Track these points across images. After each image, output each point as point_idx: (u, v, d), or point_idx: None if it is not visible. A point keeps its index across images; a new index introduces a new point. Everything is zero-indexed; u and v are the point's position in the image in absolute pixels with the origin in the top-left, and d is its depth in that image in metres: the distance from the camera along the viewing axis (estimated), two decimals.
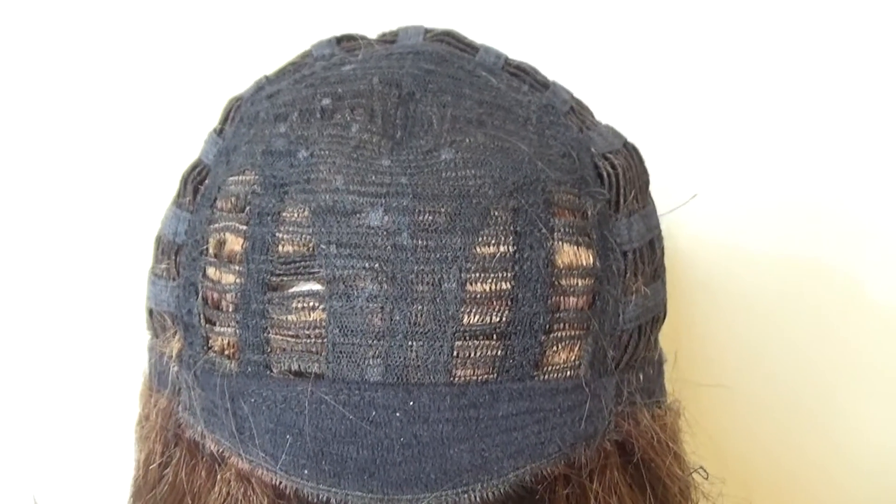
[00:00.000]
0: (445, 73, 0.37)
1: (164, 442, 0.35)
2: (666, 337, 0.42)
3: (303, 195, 0.32)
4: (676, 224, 0.45)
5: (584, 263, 0.33)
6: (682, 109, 0.59)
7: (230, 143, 0.36)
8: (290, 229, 0.32)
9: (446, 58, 0.38)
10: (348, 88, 0.36)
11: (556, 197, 0.33)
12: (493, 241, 0.32)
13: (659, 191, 0.41)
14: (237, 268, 0.33)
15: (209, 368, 0.33)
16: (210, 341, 0.33)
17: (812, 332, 0.58)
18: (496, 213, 0.32)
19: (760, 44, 0.58)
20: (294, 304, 0.31)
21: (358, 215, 0.32)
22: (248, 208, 0.33)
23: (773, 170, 0.58)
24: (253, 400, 0.32)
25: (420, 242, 0.31)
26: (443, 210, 0.32)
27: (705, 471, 0.38)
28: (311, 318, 0.31)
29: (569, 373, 0.32)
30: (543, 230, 0.32)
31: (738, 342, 0.58)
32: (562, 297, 0.32)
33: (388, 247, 0.31)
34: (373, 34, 0.41)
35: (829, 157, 0.58)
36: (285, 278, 0.32)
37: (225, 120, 0.38)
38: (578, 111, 0.38)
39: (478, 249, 0.31)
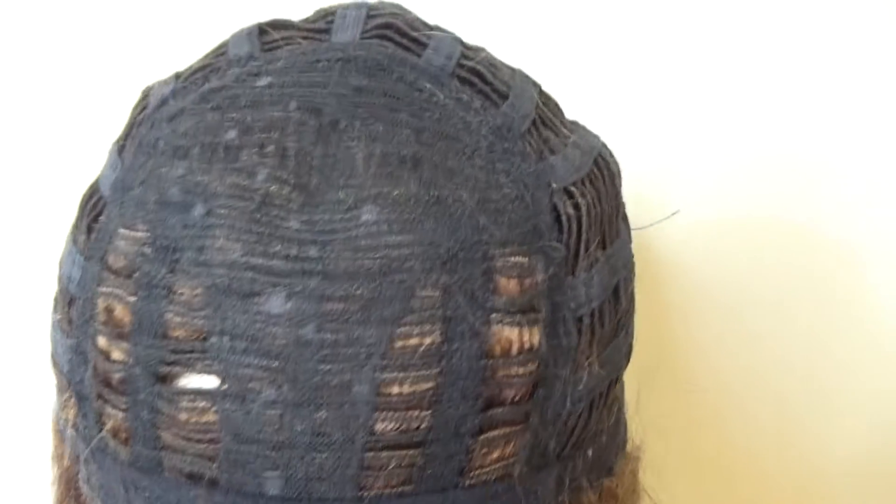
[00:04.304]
0: (380, 89, 0.30)
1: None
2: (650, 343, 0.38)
3: (195, 267, 0.27)
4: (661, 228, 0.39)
5: (527, 347, 0.28)
6: (667, 110, 0.53)
7: (127, 176, 0.31)
8: (181, 311, 0.27)
9: (383, 65, 0.31)
10: (259, 116, 0.30)
11: (499, 264, 0.28)
12: (415, 332, 0.27)
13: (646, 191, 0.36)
14: (125, 345, 0.28)
15: (104, 447, 0.30)
16: (103, 418, 0.30)
17: (801, 337, 0.54)
18: (422, 295, 0.27)
19: (751, 46, 0.53)
20: (184, 403, 0.27)
21: (256, 299, 0.27)
22: (136, 275, 0.28)
23: (760, 174, 0.53)
24: (147, 495, 0.29)
25: (328, 336, 0.26)
26: (358, 293, 0.27)
27: None
28: (202, 420, 0.27)
29: (500, 473, 0.28)
30: (479, 313, 0.27)
31: (724, 347, 0.54)
32: (497, 391, 0.28)
33: (290, 342, 0.26)
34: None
35: (819, 159, 0.53)
36: (175, 368, 0.27)
37: (127, 135, 0.33)
38: (541, 125, 0.32)
39: (397, 343, 0.27)
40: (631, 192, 0.37)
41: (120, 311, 0.29)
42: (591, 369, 0.30)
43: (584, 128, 0.35)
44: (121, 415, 0.29)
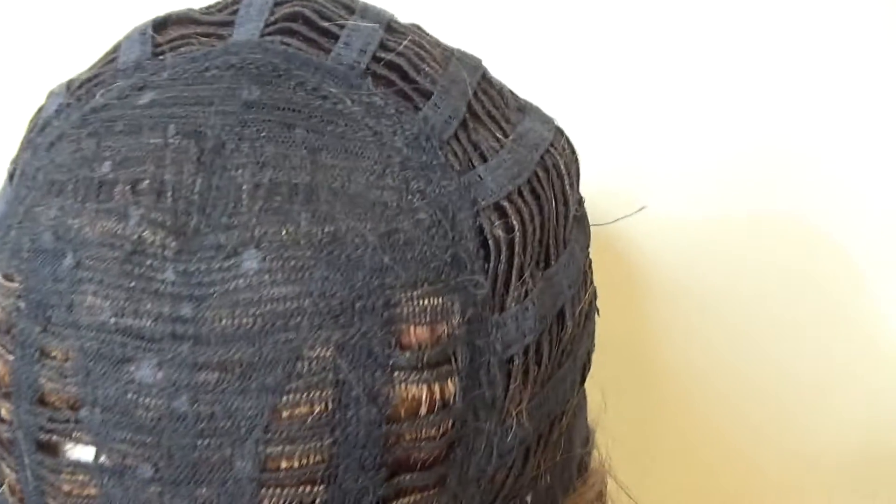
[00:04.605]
0: (275, 101, 0.26)
1: None
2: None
3: (65, 328, 0.25)
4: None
5: (439, 404, 0.25)
6: (648, 102, 0.49)
7: (9, 210, 0.28)
8: (54, 376, 0.25)
9: (280, 70, 0.27)
10: (136, 145, 0.26)
11: (406, 310, 0.24)
12: (302, 400, 0.24)
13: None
14: (8, 405, 0.26)
15: (4, 501, 0.28)
16: (2, 474, 0.28)
17: (786, 331, 0.49)
18: (311, 356, 0.24)
19: (733, 38, 0.49)
20: (65, 475, 0.25)
21: (127, 367, 0.24)
22: (14, 331, 0.26)
23: (741, 167, 0.49)
24: None
25: (203, 409, 0.24)
26: (235, 358, 0.24)
27: None
28: (84, 493, 0.25)
29: None
30: (378, 373, 0.24)
31: (706, 343, 0.49)
32: (404, 456, 0.25)
33: (164, 415, 0.24)
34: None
35: (802, 150, 0.49)
36: (54, 437, 0.25)
37: (18, 158, 0.30)
38: (472, 125, 0.28)
39: (282, 412, 0.24)
40: (603, 186, 0.33)
41: (2, 369, 0.26)
42: (522, 417, 0.26)
43: (535, 113, 0.31)
44: (13, 475, 0.27)
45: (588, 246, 0.31)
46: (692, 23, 0.49)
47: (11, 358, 0.26)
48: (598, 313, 0.32)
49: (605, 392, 0.34)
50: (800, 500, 0.50)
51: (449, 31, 0.32)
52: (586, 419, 0.32)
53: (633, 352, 0.40)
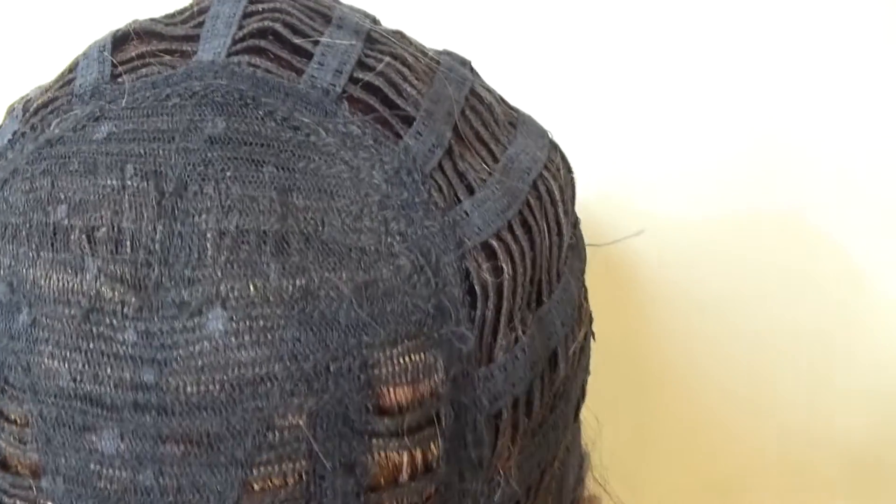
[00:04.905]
0: (241, 136, 0.24)
1: None
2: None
3: (24, 392, 0.23)
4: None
5: (421, 470, 0.23)
6: (649, 105, 0.47)
7: None
8: (14, 441, 0.23)
9: (248, 99, 0.25)
10: (91, 187, 0.24)
11: (384, 371, 0.23)
12: (275, 472, 0.22)
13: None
14: None
15: None
16: None
17: (786, 335, 0.48)
18: (282, 425, 0.22)
19: (732, 40, 0.47)
20: None
21: (89, 435, 0.23)
22: None
23: (740, 168, 0.47)
24: None
25: (169, 482, 0.22)
26: (203, 429, 0.22)
27: None
28: None
29: None
30: (355, 441, 0.22)
31: (707, 344, 0.47)
32: None
33: (128, 488, 0.22)
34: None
35: (803, 151, 0.47)
36: (18, 502, 0.24)
37: None
38: (458, 152, 0.25)
39: (254, 486, 0.22)
40: (598, 189, 0.31)
41: None
42: (510, 473, 0.25)
43: (527, 127, 0.28)
44: None
45: (583, 271, 0.29)
46: (689, 21, 0.47)
47: None
48: (593, 338, 0.30)
49: (601, 394, 0.33)
50: (801, 499, 0.49)
51: (440, 32, 0.30)
52: (580, 446, 0.31)
53: (629, 354, 0.39)
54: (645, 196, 0.45)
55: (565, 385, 0.27)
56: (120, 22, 0.29)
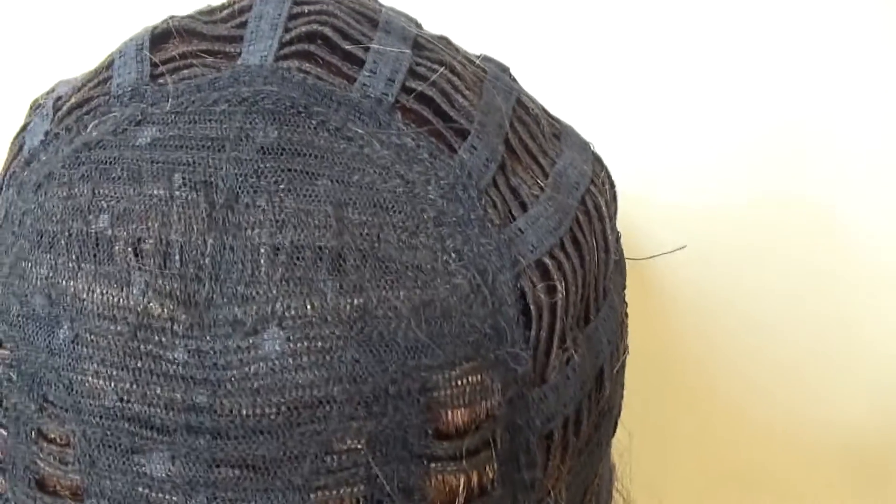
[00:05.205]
0: (294, 146, 0.23)
1: None
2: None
3: (65, 412, 0.22)
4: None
5: (477, 493, 0.23)
6: (659, 99, 0.47)
7: None
8: (54, 461, 0.23)
9: (300, 107, 0.24)
10: (136, 196, 0.23)
11: (443, 394, 0.22)
12: (333, 497, 0.22)
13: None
14: (3, 481, 0.24)
15: None
16: None
17: (792, 329, 0.48)
18: (341, 449, 0.22)
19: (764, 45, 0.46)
20: None
21: (137, 458, 0.22)
22: (5, 403, 0.23)
23: (752, 160, 0.46)
24: None
25: None
26: (259, 453, 0.21)
27: None
28: None
29: None
30: (413, 465, 0.22)
31: (725, 340, 0.48)
32: None
33: None
34: None
35: (816, 139, 0.47)
36: None
37: (1, 185, 0.26)
38: (511, 167, 0.25)
39: None
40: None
41: None
42: (560, 493, 0.25)
43: (570, 139, 0.28)
44: None
45: (625, 287, 0.29)
46: (693, 15, 0.46)
47: (4, 433, 0.23)
48: (627, 352, 0.30)
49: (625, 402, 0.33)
50: (802, 500, 0.50)
51: (449, 32, 0.29)
52: (610, 459, 0.31)
53: (637, 348, 0.39)
54: (647, 187, 0.45)
55: (609, 403, 0.27)
56: (123, 17, 0.28)
